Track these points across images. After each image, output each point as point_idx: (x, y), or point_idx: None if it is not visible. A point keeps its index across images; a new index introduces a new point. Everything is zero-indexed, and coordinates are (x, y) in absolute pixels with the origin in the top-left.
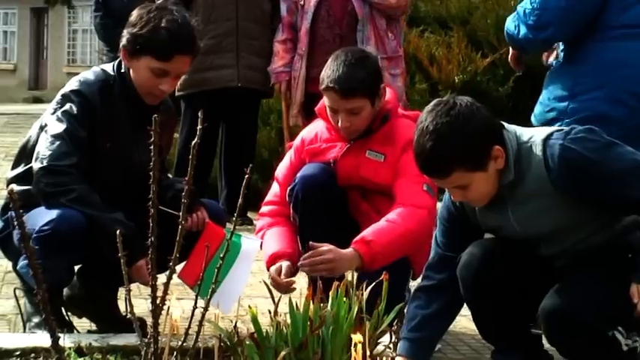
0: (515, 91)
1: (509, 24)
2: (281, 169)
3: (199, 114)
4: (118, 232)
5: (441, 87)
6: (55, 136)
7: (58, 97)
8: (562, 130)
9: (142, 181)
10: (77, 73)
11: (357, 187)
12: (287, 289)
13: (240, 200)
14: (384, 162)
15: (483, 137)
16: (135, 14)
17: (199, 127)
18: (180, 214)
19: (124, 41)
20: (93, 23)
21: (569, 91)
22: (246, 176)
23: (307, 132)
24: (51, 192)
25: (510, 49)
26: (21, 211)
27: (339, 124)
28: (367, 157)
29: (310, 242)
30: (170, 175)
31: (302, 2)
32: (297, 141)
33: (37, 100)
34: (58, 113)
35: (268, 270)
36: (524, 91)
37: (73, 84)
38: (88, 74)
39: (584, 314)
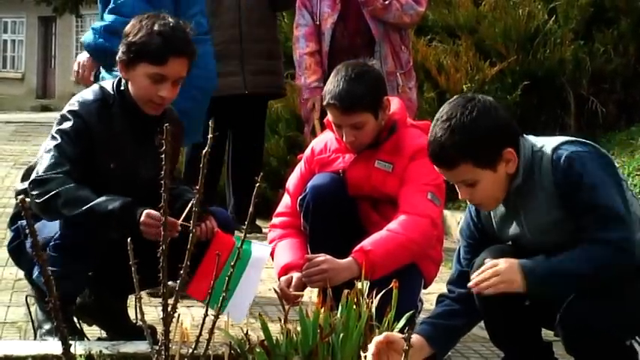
0: (523, 99)
1: (94, 39)
2: (292, 180)
3: (210, 123)
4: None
5: (449, 96)
6: (47, 152)
7: (58, 117)
8: (574, 141)
9: (151, 196)
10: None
11: (368, 197)
12: (294, 301)
13: (250, 209)
14: (393, 172)
15: (495, 135)
16: (129, 25)
17: (210, 135)
18: (191, 222)
19: (119, 54)
20: None
21: None
22: (257, 185)
23: (317, 142)
24: (41, 202)
25: (83, 61)
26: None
27: (344, 138)
28: (376, 167)
29: (306, 255)
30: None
31: (317, 22)
32: (307, 151)
33: (45, 109)
34: (53, 132)
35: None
36: (531, 99)
37: (71, 104)
38: (87, 93)
39: (602, 323)
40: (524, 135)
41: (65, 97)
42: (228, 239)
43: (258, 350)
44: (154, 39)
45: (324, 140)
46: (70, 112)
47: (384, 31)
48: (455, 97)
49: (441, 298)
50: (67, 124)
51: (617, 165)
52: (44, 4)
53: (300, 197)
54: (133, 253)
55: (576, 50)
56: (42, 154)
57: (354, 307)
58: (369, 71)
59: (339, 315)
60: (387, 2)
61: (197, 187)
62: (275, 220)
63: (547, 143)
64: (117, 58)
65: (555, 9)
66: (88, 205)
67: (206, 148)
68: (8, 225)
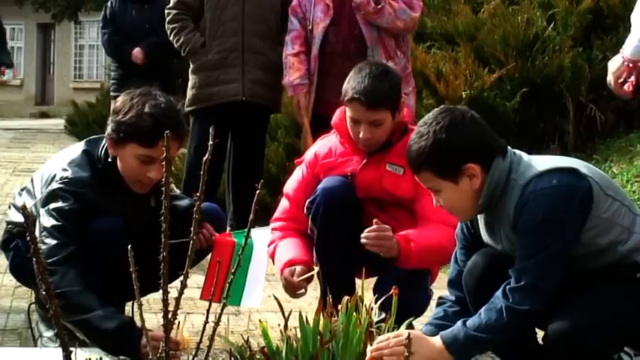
0: (522, 106)
1: None
2: (291, 185)
3: (210, 130)
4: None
5: (448, 102)
6: (48, 230)
7: (50, 187)
8: (557, 170)
9: (149, 235)
10: (84, 89)
11: (374, 200)
12: (298, 289)
13: (251, 216)
14: (404, 175)
15: (457, 149)
16: (119, 100)
17: (210, 142)
18: (192, 228)
19: (108, 130)
20: (100, 40)
21: None
22: (257, 192)
23: (320, 147)
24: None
25: None
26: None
27: (361, 135)
28: (387, 170)
29: (374, 220)
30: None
31: (310, 27)
32: (309, 156)
33: (44, 115)
34: (51, 208)
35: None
36: (530, 106)
37: (63, 179)
38: (76, 165)
39: (590, 339)
40: (508, 154)
41: (64, 103)
42: (227, 242)
43: (258, 357)
44: (145, 121)
45: (328, 145)
46: (64, 190)
47: (377, 36)
48: (441, 106)
49: (441, 300)
50: (64, 205)
51: (609, 175)
52: (43, 11)
53: (309, 200)
54: (133, 260)
55: (575, 57)
56: (41, 228)
57: (354, 313)
58: (390, 71)
59: (339, 321)
60: (379, 7)
61: (198, 195)
62: (273, 224)
63: (528, 170)
64: (106, 134)
65: (554, 16)
66: (83, 317)
67: (207, 156)
68: (0, 247)
